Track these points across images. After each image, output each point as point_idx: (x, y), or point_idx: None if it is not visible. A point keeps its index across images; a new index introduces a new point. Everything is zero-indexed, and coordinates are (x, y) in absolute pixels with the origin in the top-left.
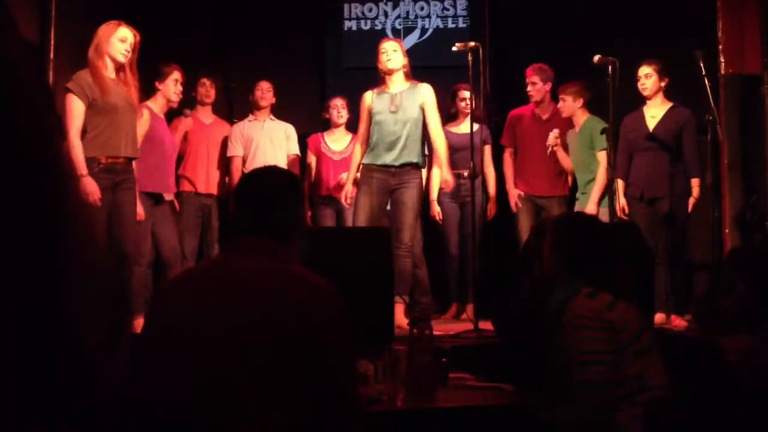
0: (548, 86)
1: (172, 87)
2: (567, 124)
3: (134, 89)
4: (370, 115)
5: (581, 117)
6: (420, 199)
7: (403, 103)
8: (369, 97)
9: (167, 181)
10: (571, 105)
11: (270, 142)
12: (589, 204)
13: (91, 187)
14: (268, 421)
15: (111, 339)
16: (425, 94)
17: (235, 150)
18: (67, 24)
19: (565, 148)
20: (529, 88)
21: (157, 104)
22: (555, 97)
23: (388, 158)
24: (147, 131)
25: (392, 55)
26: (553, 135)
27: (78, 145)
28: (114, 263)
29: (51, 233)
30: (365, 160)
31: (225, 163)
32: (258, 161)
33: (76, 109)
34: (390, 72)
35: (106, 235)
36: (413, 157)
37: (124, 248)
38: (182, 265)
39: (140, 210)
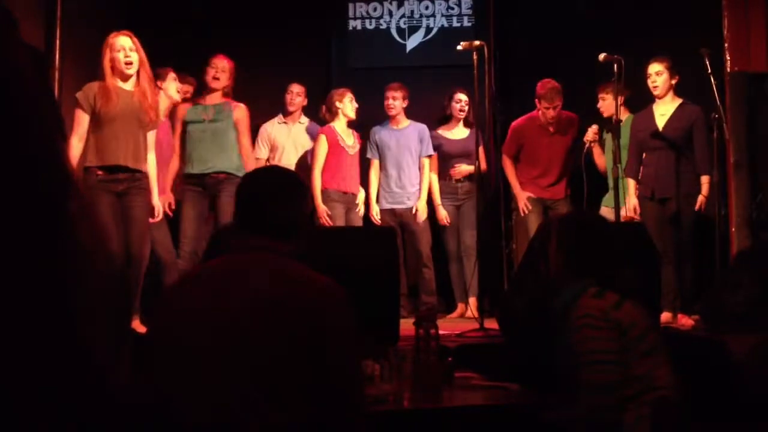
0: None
1: (171, 86)
2: (571, 127)
3: (150, 97)
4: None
5: (622, 115)
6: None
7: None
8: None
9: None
10: (611, 104)
11: (294, 148)
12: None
13: None
14: (274, 421)
15: (115, 340)
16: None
17: (260, 152)
18: (73, 28)
19: (602, 144)
20: (550, 112)
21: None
22: (563, 92)
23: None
24: None
25: (220, 75)
26: (592, 131)
27: (74, 148)
28: (121, 265)
29: (55, 234)
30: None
31: None
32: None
33: (78, 118)
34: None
35: (115, 239)
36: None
37: (131, 251)
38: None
39: (159, 210)
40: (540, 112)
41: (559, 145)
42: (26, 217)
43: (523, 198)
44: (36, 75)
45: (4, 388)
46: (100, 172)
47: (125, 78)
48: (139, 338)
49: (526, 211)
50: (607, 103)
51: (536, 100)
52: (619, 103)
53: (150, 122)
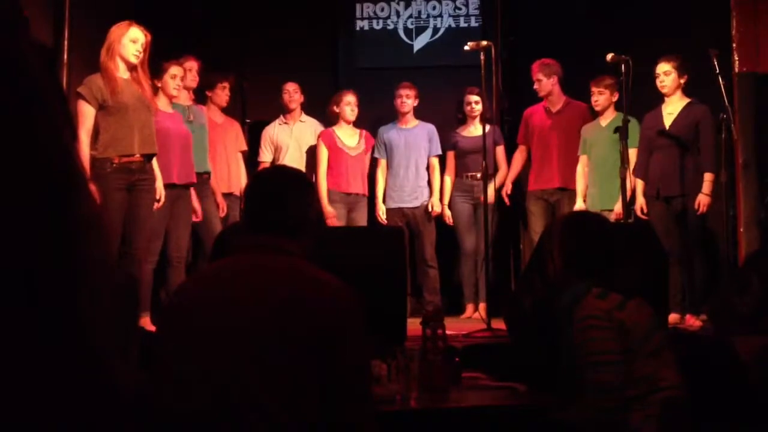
0: (553, 80)
1: (170, 83)
2: (579, 115)
3: (147, 87)
4: None
5: (612, 113)
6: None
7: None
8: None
9: (184, 171)
10: (608, 99)
11: (298, 147)
12: (618, 204)
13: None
14: (282, 421)
15: (124, 339)
16: None
17: (264, 155)
18: (81, 25)
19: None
20: (535, 85)
21: (160, 101)
22: (570, 91)
23: None
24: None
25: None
26: None
27: (82, 144)
28: (126, 263)
29: (65, 233)
30: None
31: (240, 161)
32: None
33: (85, 113)
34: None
35: (120, 235)
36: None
37: (136, 249)
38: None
39: (162, 198)
40: None
41: (561, 130)
42: (35, 218)
43: (508, 185)
44: (45, 73)
45: (11, 388)
46: (116, 161)
47: (129, 66)
48: (148, 337)
49: (505, 197)
50: (604, 98)
51: None
52: (615, 99)
53: (156, 110)
